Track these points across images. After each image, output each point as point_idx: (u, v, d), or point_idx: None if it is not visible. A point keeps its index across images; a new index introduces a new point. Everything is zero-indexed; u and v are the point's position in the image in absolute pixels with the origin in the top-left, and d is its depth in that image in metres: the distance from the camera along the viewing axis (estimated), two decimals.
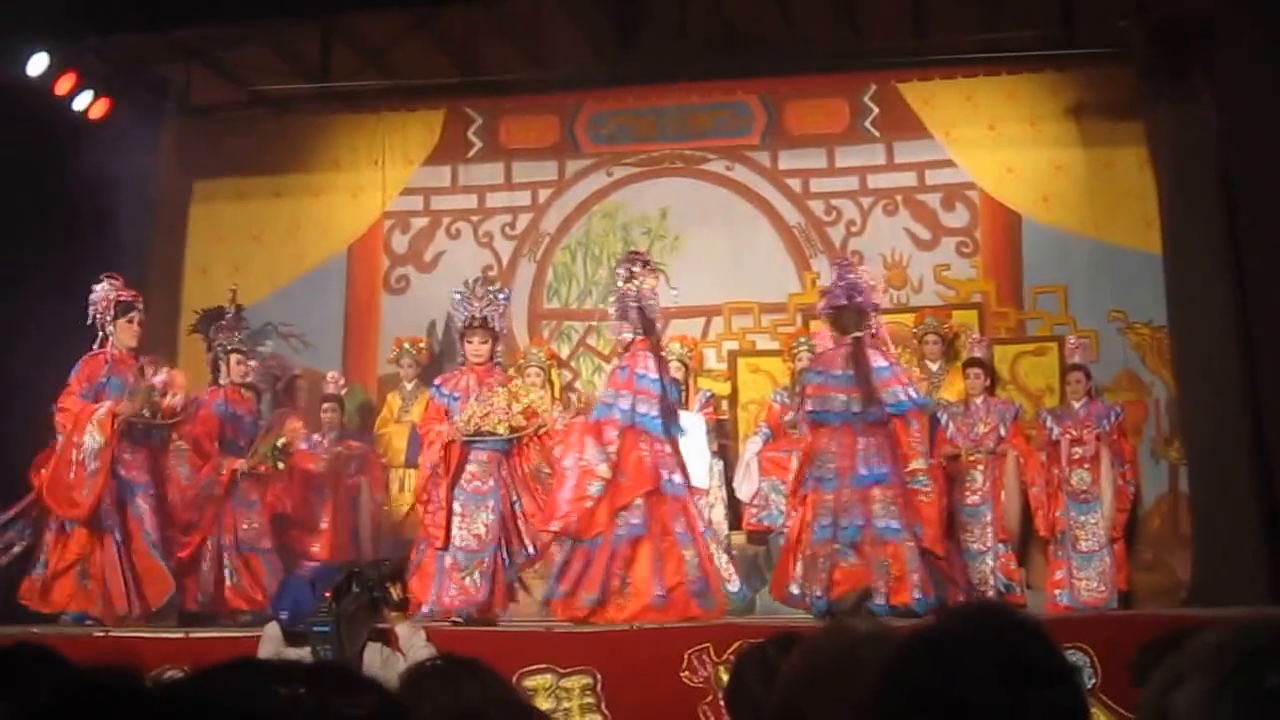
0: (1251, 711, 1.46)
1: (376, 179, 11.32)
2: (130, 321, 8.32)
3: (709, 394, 10.01)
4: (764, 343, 10.69)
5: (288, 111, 11.52)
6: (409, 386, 10.44)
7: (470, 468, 7.82)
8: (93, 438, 7.96)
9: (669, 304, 8.20)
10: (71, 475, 7.90)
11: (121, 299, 8.31)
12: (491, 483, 7.80)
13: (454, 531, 7.71)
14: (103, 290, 8.30)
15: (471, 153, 11.30)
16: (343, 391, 10.47)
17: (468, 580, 7.63)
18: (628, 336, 7.79)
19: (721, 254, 10.78)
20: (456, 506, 7.75)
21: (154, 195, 10.84)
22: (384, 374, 10.94)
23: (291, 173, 11.39)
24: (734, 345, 10.82)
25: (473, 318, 8.02)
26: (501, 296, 8.24)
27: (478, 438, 7.77)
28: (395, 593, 5.23)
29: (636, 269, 7.79)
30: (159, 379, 8.36)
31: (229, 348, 9.19)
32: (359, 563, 5.74)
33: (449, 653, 3.25)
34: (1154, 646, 2.67)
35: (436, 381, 8.30)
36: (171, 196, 11.22)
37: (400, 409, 10.38)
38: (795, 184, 10.95)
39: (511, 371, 8.98)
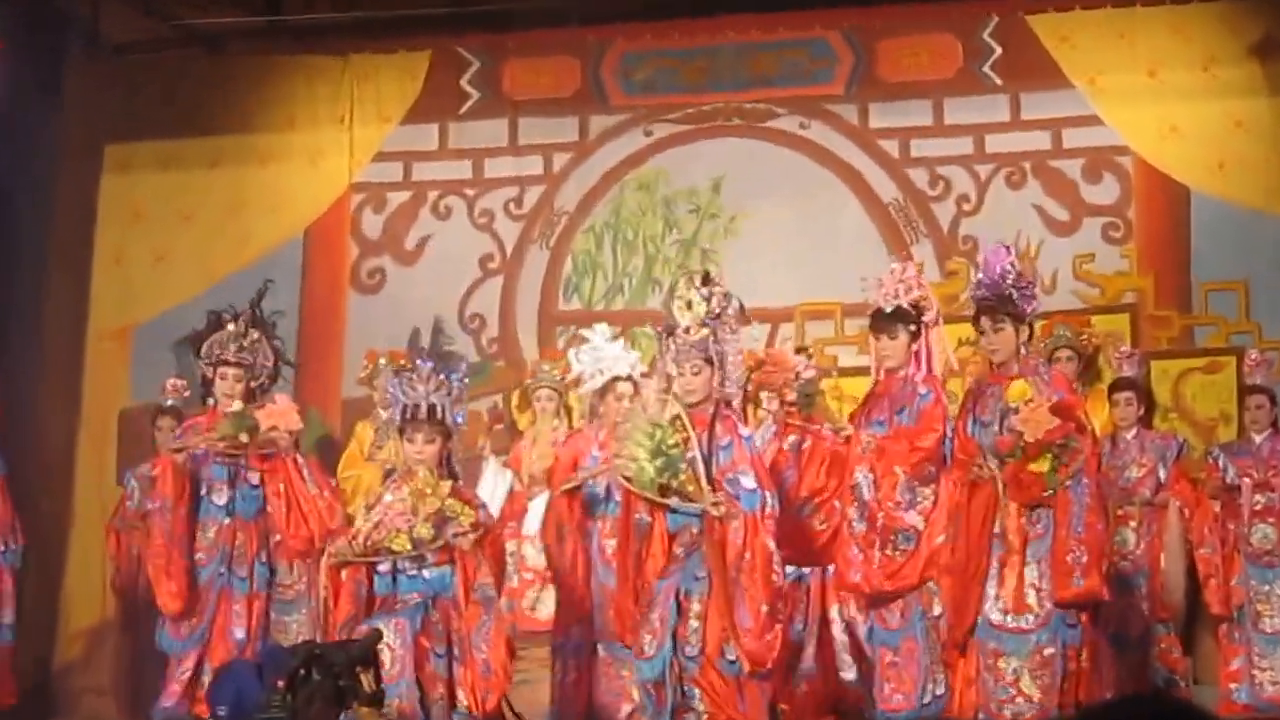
0: None
1: (342, 141, 10.29)
2: None
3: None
4: (849, 358, 9.47)
5: (226, 53, 10.70)
6: (385, 414, 8.96)
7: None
8: None
9: None
10: None
11: None
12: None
13: None
14: None
15: (466, 107, 10.23)
16: None
17: None
18: (731, 391, 6.68)
19: (792, 239, 9.78)
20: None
21: (56, 162, 10.07)
22: (350, 397, 9.87)
23: (232, 133, 10.33)
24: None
25: (416, 406, 6.79)
26: (456, 377, 7.01)
27: (375, 557, 6.72)
28: (367, 682, 5.08)
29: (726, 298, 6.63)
30: None
31: (221, 357, 7.71)
32: (321, 644, 5.58)
33: None
34: None
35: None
36: (78, 164, 10.23)
37: (373, 443, 9.13)
38: (891, 147, 9.92)
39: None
